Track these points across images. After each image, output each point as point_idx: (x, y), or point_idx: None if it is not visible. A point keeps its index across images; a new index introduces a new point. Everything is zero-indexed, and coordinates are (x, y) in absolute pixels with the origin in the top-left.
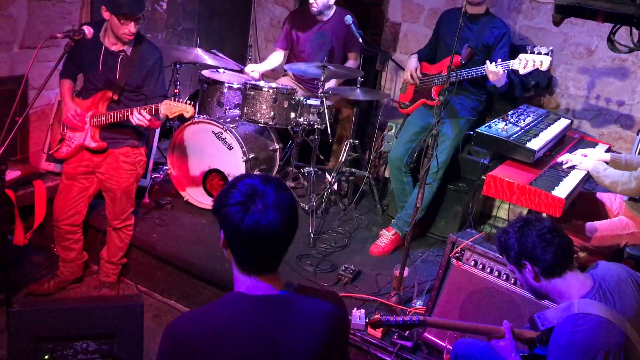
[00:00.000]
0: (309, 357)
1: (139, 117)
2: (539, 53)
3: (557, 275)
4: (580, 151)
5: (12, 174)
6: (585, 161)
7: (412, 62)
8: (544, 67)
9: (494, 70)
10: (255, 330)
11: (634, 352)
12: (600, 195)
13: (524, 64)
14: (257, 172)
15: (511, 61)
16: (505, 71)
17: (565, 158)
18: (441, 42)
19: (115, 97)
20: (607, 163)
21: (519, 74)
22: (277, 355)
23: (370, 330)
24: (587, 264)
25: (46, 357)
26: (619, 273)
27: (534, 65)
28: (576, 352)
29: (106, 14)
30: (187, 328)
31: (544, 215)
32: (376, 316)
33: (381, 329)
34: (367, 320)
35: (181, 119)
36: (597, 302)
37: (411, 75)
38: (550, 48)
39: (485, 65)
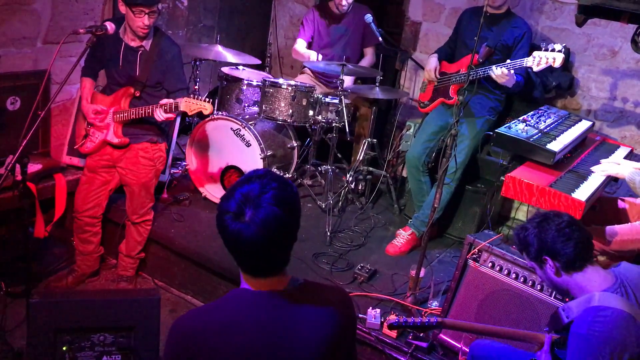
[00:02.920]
0: (314, 353)
1: (163, 117)
2: (553, 50)
3: (578, 269)
4: (613, 158)
5: (33, 167)
6: (621, 170)
7: (432, 62)
8: (557, 64)
9: (498, 73)
10: (259, 326)
11: None
12: (622, 199)
13: (537, 61)
14: (274, 169)
15: (525, 59)
16: (512, 71)
17: (599, 168)
18: (460, 41)
19: (137, 94)
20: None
21: (533, 71)
22: (282, 351)
23: (385, 329)
24: (607, 268)
25: (64, 348)
26: None
27: (547, 63)
28: (596, 341)
29: (122, 8)
30: (192, 324)
31: None
32: (392, 316)
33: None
34: (382, 320)
35: (200, 115)
36: (619, 297)
37: (430, 75)
38: (564, 44)
39: (491, 67)
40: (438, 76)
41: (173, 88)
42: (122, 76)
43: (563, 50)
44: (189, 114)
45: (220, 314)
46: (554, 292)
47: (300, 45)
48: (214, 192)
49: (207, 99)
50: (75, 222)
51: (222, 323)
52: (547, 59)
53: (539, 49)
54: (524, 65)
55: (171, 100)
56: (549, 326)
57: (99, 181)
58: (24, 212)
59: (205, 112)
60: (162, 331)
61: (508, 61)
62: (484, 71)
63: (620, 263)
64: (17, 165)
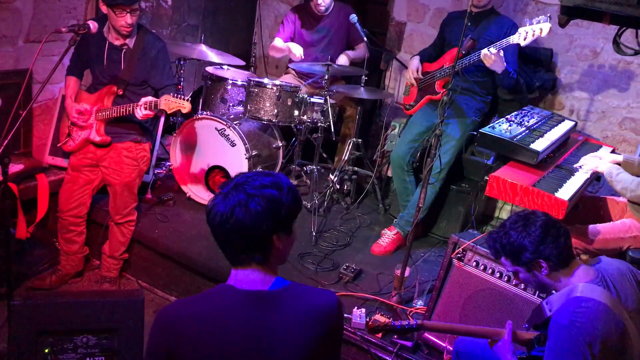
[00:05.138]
0: (294, 354)
1: (143, 115)
2: (538, 22)
3: (567, 265)
4: (593, 154)
5: (15, 168)
6: (600, 164)
7: (414, 63)
8: (544, 34)
9: (487, 53)
10: (242, 325)
11: (629, 343)
12: (604, 197)
13: (523, 36)
14: (259, 169)
15: (510, 37)
16: (501, 52)
17: (581, 162)
18: (446, 43)
19: (120, 92)
20: (619, 164)
21: (521, 46)
22: (262, 350)
23: None
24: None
25: (46, 350)
26: (620, 267)
27: (533, 35)
28: (577, 332)
29: (103, 8)
30: (176, 314)
31: None
32: (377, 315)
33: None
34: (367, 320)
35: (185, 115)
36: (600, 288)
37: (413, 75)
38: (549, 15)
39: (481, 52)
40: (421, 76)
41: (160, 85)
42: (106, 75)
43: (549, 20)
44: (168, 112)
45: (204, 306)
46: (537, 291)
47: (278, 42)
48: (198, 192)
49: (187, 98)
50: (60, 222)
51: (206, 316)
52: (534, 31)
53: (524, 49)
54: (511, 42)
55: (151, 98)
56: (528, 322)
57: (82, 180)
58: (6, 213)
59: (184, 111)
60: (146, 332)
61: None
62: (469, 59)
63: (599, 258)
64: None
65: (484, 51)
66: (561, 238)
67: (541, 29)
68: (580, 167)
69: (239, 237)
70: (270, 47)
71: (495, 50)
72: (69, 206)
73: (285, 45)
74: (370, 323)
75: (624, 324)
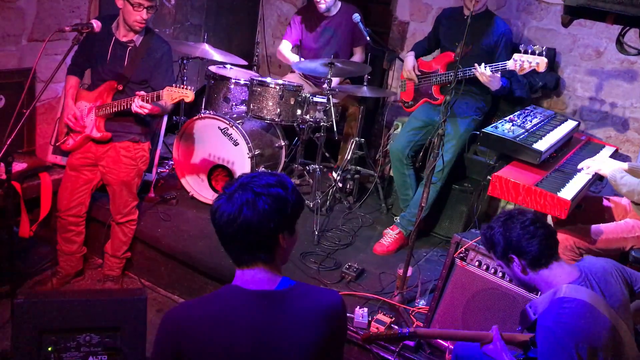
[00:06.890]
0: (301, 354)
1: (139, 105)
2: (533, 53)
3: (544, 265)
4: (594, 157)
5: (18, 166)
6: (604, 167)
7: (410, 61)
8: (541, 69)
9: (482, 72)
10: (250, 325)
11: (620, 341)
12: (607, 198)
13: (519, 64)
14: (262, 168)
15: (507, 62)
16: (499, 73)
17: (584, 164)
18: (439, 41)
19: (120, 88)
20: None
21: (517, 74)
22: (270, 350)
23: (372, 329)
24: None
25: (50, 349)
26: (604, 265)
27: (529, 67)
28: (562, 333)
29: (119, 2)
30: (183, 316)
31: (549, 216)
32: (378, 315)
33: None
34: (369, 319)
35: (187, 114)
36: (584, 288)
37: (410, 75)
38: (544, 47)
39: (475, 67)
40: (418, 73)
41: (159, 87)
42: (108, 72)
43: (544, 53)
44: (171, 102)
45: (212, 308)
46: (522, 288)
47: (285, 47)
48: (201, 191)
49: (190, 87)
50: (59, 222)
51: (213, 318)
52: (530, 63)
53: (519, 50)
54: (507, 69)
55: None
56: (520, 324)
57: (82, 180)
58: (9, 211)
59: (187, 100)
60: (149, 331)
61: (484, 66)
62: (465, 72)
63: (584, 258)
64: (2, 164)
65: (480, 69)
66: (536, 238)
67: (538, 64)
68: (582, 169)
69: (246, 236)
70: (277, 50)
71: (490, 73)
72: (69, 206)
73: (292, 59)
74: (363, 335)
75: (611, 322)
